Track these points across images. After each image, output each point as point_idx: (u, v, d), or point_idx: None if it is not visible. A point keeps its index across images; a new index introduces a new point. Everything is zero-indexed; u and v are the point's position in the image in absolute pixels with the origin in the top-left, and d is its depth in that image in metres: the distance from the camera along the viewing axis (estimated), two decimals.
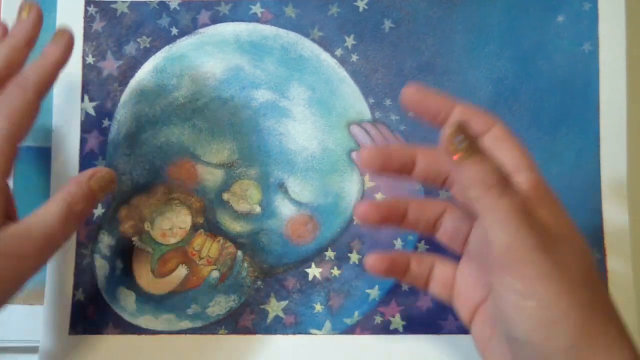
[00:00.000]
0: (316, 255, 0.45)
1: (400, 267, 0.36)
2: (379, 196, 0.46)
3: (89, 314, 0.45)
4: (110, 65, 0.47)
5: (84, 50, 0.47)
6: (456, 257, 0.37)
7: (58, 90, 0.47)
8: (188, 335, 0.45)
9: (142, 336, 0.45)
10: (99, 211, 0.46)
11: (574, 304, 0.28)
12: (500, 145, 0.31)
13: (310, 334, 0.44)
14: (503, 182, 0.28)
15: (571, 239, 0.30)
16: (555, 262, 0.28)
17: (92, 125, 0.47)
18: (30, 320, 0.45)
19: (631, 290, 0.44)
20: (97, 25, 0.47)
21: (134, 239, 0.46)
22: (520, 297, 0.28)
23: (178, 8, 0.48)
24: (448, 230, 0.36)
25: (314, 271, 0.45)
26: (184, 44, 0.47)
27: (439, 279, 0.37)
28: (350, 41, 0.47)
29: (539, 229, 0.29)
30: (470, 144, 0.28)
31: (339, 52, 0.47)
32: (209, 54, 0.47)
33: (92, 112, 0.47)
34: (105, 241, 0.46)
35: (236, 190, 0.46)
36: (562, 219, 0.30)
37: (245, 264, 0.45)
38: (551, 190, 0.31)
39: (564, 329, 0.28)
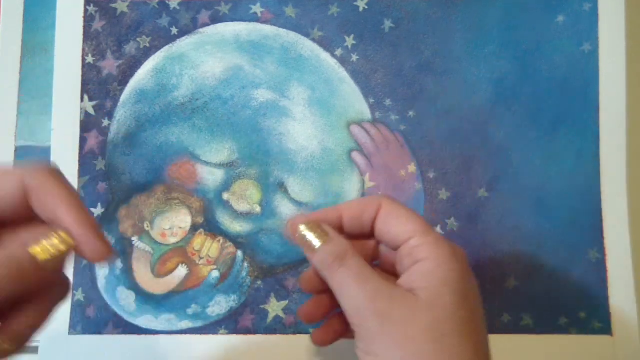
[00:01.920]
0: None
1: (343, 330, 0.37)
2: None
3: (89, 313, 0.45)
4: (110, 65, 0.47)
5: (83, 50, 0.47)
6: None
7: (58, 89, 0.47)
8: (188, 335, 0.45)
9: (142, 336, 0.44)
10: (98, 211, 0.46)
11: (408, 355, 0.30)
12: (391, 219, 0.34)
13: (310, 333, 0.44)
14: (340, 257, 0.33)
15: (423, 295, 0.31)
16: (387, 320, 0.31)
17: (91, 124, 0.47)
18: None
19: (631, 290, 0.44)
20: (97, 25, 0.47)
21: (134, 238, 0.46)
22: (364, 355, 0.32)
23: (178, 8, 0.47)
24: None
25: None
26: (184, 44, 0.47)
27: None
28: (350, 41, 0.47)
29: (374, 291, 0.31)
30: (315, 234, 0.34)
31: (339, 52, 0.47)
32: (209, 54, 0.47)
33: (91, 111, 0.47)
34: None
35: (236, 190, 0.46)
36: (423, 279, 0.32)
37: (245, 264, 0.45)
38: (438, 248, 0.33)
39: None
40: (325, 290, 0.36)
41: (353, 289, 0.32)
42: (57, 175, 0.29)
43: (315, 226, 0.34)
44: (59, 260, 0.28)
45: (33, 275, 0.28)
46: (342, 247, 0.33)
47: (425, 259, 0.32)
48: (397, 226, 0.34)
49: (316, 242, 0.34)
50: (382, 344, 0.31)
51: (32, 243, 0.28)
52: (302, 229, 0.34)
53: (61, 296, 0.31)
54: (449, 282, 0.32)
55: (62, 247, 0.28)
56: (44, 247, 0.28)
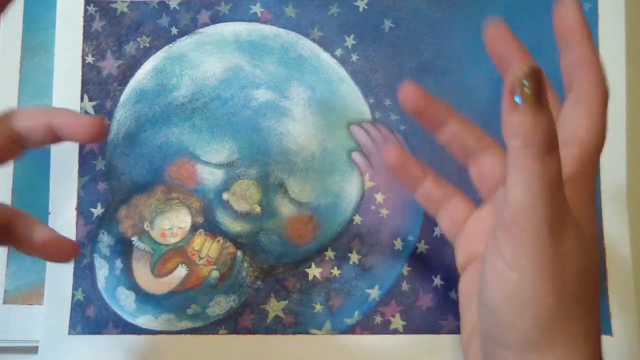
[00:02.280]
0: (316, 255, 0.45)
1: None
2: (379, 196, 0.46)
3: (89, 313, 0.45)
4: (110, 65, 0.47)
5: (83, 50, 0.47)
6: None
7: (58, 89, 0.47)
8: (188, 335, 0.45)
9: (142, 336, 0.44)
10: (98, 211, 0.46)
11: (556, 293, 0.26)
12: (575, 108, 0.29)
13: (310, 334, 0.44)
14: (547, 145, 0.26)
15: (586, 231, 0.27)
16: (557, 245, 0.26)
17: None
18: (30, 320, 0.45)
19: (631, 290, 0.44)
20: (97, 25, 0.47)
21: (134, 238, 0.46)
22: (506, 265, 0.27)
23: (178, 8, 0.47)
24: (482, 169, 0.34)
25: (314, 271, 0.45)
26: (184, 44, 0.47)
27: (452, 213, 0.35)
28: (350, 41, 0.47)
29: (560, 207, 0.26)
30: (534, 92, 0.26)
31: (339, 52, 0.47)
32: (208, 54, 0.47)
33: (91, 111, 0.47)
34: (105, 241, 0.46)
35: (236, 190, 0.46)
36: (587, 206, 0.28)
37: (245, 264, 0.45)
38: (593, 175, 0.29)
39: (533, 313, 0.26)
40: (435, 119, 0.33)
41: (545, 188, 0.26)
42: None
43: (543, 80, 0.26)
44: None
45: None
46: (556, 135, 0.26)
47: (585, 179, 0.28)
48: (581, 119, 0.29)
49: (533, 99, 0.26)
50: (537, 266, 0.26)
51: None
52: (532, 70, 0.26)
53: None
54: (595, 220, 0.28)
55: None
56: None
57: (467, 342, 0.32)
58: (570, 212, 0.27)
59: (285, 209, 0.46)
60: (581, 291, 0.27)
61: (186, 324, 0.45)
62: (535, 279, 0.26)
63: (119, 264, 0.45)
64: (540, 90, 0.26)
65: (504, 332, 0.27)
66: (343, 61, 0.47)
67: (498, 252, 0.27)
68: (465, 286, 0.33)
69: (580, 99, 0.30)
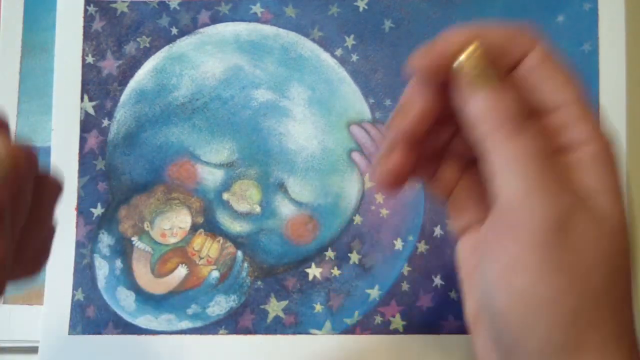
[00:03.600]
0: (316, 255, 0.45)
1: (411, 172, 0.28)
2: (379, 196, 0.46)
3: (89, 314, 0.45)
4: (110, 65, 0.47)
5: (83, 50, 0.47)
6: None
7: (58, 89, 0.47)
8: (188, 335, 0.45)
9: (142, 336, 0.44)
10: (98, 211, 0.46)
11: (574, 288, 0.22)
12: (547, 69, 0.25)
13: (310, 334, 0.44)
14: (519, 119, 0.22)
15: (606, 209, 0.23)
16: (565, 233, 0.22)
17: (91, 124, 0.47)
18: (30, 320, 0.45)
19: None
20: (97, 25, 0.47)
21: (134, 238, 0.46)
22: (507, 266, 0.22)
23: (178, 8, 0.47)
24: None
25: (314, 271, 0.45)
26: (184, 44, 0.47)
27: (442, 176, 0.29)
28: (350, 41, 0.47)
29: (557, 187, 0.22)
30: (482, 71, 0.23)
31: (339, 52, 0.47)
32: (209, 54, 0.47)
33: (91, 111, 0.47)
34: (105, 241, 0.46)
35: (236, 190, 0.46)
36: (603, 178, 0.23)
37: (245, 264, 0.45)
38: (605, 138, 0.24)
39: (553, 314, 0.22)
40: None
41: (530, 169, 0.22)
42: None
43: (488, 58, 0.23)
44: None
45: None
46: (521, 104, 0.23)
47: (590, 145, 0.23)
48: (551, 82, 0.24)
49: (485, 80, 0.23)
50: (543, 261, 0.22)
51: None
52: (472, 52, 0.23)
53: (55, 194, 0.29)
54: (622, 194, 0.23)
55: None
56: None
57: (472, 324, 0.27)
58: (576, 190, 0.23)
59: (285, 209, 0.46)
60: (607, 283, 0.22)
61: (186, 324, 0.45)
62: (546, 277, 0.22)
63: (119, 264, 0.45)
64: (488, 67, 0.23)
65: (521, 339, 0.22)
66: (343, 61, 0.47)
67: (497, 258, 0.23)
68: (465, 257, 0.28)
69: (540, 62, 0.25)
